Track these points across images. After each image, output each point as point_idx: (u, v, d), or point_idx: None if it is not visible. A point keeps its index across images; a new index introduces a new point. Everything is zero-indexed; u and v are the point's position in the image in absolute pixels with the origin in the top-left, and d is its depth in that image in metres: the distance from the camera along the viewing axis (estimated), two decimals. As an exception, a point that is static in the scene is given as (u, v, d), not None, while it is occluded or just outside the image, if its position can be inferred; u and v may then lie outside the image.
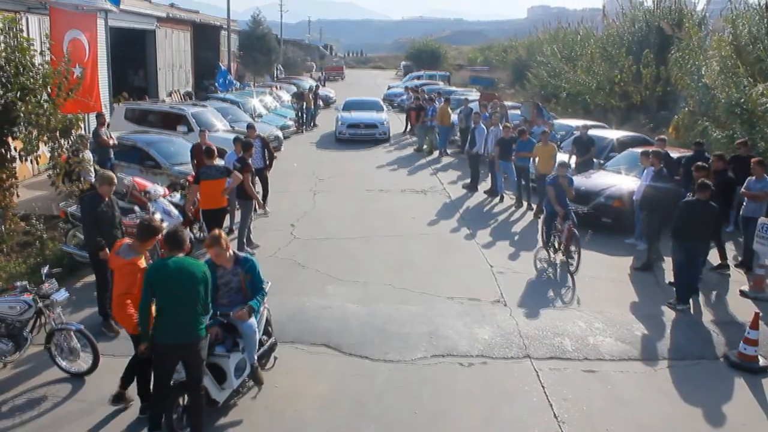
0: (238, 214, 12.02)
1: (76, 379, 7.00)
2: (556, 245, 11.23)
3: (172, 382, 5.78)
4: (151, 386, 5.97)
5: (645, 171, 11.66)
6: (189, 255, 10.31)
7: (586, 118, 22.69)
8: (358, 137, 24.40)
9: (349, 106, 26.92)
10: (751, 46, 16.14)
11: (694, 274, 9.58)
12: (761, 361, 7.78)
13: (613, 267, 11.01)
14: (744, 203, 11.04)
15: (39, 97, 10.18)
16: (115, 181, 8.39)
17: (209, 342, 6.06)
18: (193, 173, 12.53)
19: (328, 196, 15.69)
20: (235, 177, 10.72)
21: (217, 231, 6.57)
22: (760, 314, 7.99)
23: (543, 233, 11.79)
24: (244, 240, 11.18)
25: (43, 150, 10.96)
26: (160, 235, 6.36)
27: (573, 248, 10.83)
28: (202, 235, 11.76)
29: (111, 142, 14.02)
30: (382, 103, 28.98)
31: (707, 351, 8.17)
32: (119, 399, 6.43)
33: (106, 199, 8.07)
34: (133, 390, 6.38)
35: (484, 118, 17.88)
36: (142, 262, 6.26)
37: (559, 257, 11.22)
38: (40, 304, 7.09)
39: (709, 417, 6.73)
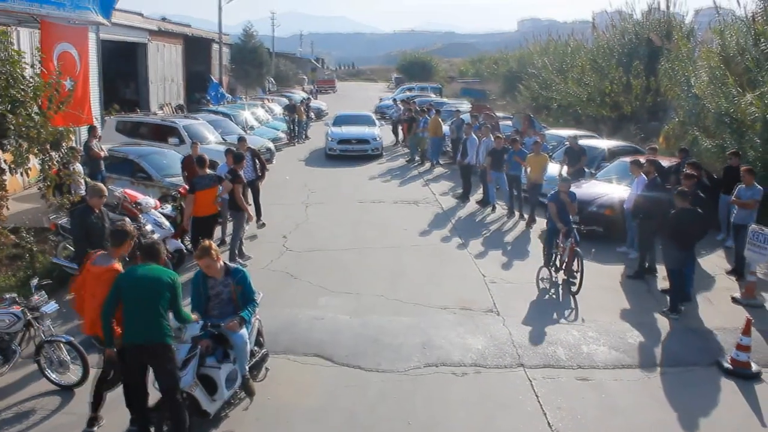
0: (230, 226, 11.98)
1: (66, 391, 6.94)
2: (558, 264, 10.77)
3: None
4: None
5: (636, 180, 11.70)
6: (180, 266, 10.44)
7: (577, 128, 22.79)
8: (349, 153, 23.35)
9: (339, 121, 25.70)
10: (739, 57, 16.26)
11: (686, 282, 9.64)
12: (754, 367, 7.79)
13: (605, 275, 11.01)
14: (734, 211, 11.11)
15: (29, 109, 10.12)
16: (106, 193, 8.36)
17: (200, 353, 6.03)
18: (185, 185, 12.52)
19: (320, 208, 15.67)
20: (225, 185, 10.91)
21: (207, 242, 6.55)
22: (752, 321, 7.99)
23: (544, 251, 11.33)
24: (236, 252, 11.14)
25: (34, 163, 10.89)
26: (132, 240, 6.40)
27: (575, 267, 10.33)
28: (193, 246, 11.71)
29: (102, 154, 13.97)
30: (374, 117, 28.03)
31: (700, 358, 8.17)
32: (93, 422, 6.33)
33: (97, 211, 8.03)
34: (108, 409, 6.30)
35: (475, 129, 17.94)
36: (120, 268, 6.23)
37: (561, 276, 10.72)
38: (30, 317, 7.04)
39: (703, 423, 6.72)
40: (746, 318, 8.05)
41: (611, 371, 7.76)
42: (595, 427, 6.60)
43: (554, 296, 10.20)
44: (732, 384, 7.55)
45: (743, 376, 7.69)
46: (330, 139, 23.84)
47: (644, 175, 11.34)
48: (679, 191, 9.53)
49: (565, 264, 10.54)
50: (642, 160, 12.37)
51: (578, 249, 10.40)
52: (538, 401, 7.03)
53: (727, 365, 7.86)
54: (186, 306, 6.31)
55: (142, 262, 5.87)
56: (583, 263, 10.23)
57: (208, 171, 11.17)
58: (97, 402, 6.31)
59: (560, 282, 10.69)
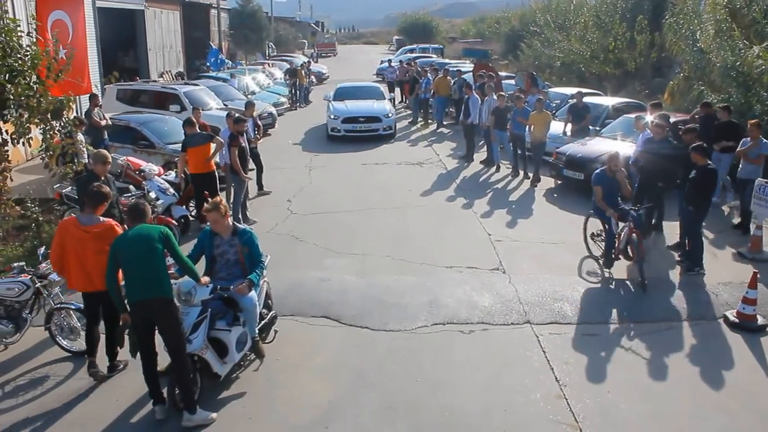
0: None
1: (78, 357, 7.00)
2: (615, 254, 9.16)
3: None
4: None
5: (640, 135, 11.61)
6: (185, 232, 10.48)
7: (580, 86, 22.54)
8: (356, 134, 19.62)
9: (341, 94, 21.55)
10: (746, 9, 15.98)
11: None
12: (760, 320, 7.82)
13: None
14: (740, 166, 11.02)
15: (28, 79, 10.05)
16: (110, 159, 8.34)
17: (211, 316, 6.08)
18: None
19: (323, 171, 15.63)
20: (217, 142, 11.07)
21: (218, 198, 6.68)
22: (758, 274, 8.00)
23: (586, 241, 9.95)
24: (240, 216, 11.14)
25: (35, 133, 10.87)
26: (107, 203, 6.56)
27: (631, 254, 8.96)
28: (197, 209, 11.73)
29: (104, 122, 13.90)
30: (382, 88, 23.13)
31: (707, 312, 8.20)
32: (113, 368, 6.69)
33: (102, 178, 8.03)
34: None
35: (477, 88, 17.78)
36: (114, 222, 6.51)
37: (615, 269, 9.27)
38: (38, 285, 7.09)
39: (709, 376, 6.77)
40: (753, 272, 8.07)
41: (617, 326, 7.81)
42: (602, 380, 6.65)
43: (560, 255, 10.18)
44: (738, 337, 7.58)
45: (749, 329, 7.72)
46: (332, 116, 19.92)
47: (648, 131, 11.24)
48: (698, 147, 9.23)
49: (630, 252, 9.03)
50: (649, 116, 12.20)
51: (636, 236, 8.84)
52: (545, 357, 7.08)
53: (733, 319, 7.89)
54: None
55: (130, 225, 5.94)
56: (643, 252, 8.86)
57: (197, 130, 11.40)
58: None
59: (611, 275, 9.24)
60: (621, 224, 9.06)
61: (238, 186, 11.32)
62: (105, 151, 8.33)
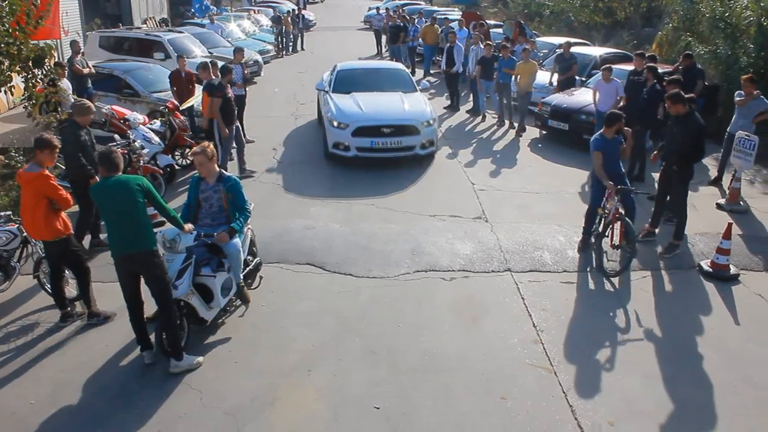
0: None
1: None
2: (601, 231, 8.16)
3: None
4: None
5: (604, 85, 12.23)
6: (172, 181, 10.52)
7: (569, 35, 22.38)
8: (378, 155, 11.80)
9: (346, 82, 13.28)
10: (736, -42, 15.84)
11: None
12: (732, 270, 8.04)
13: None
14: (734, 119, 11.00)
15: (7, 26, 9.90)
16: (93, 109, 8.32)
17: (195, 263, 6.19)
18: (173, 100, 12.40)
19: (309, 119, 15.58)
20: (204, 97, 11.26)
21: (206, 142, 6.80)
22: (733, 225, 8.19)
23: (586, 220, 8.68)
24: (227, 166, 11.14)
25: (17, 81, 10.75)
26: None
27: (616, 240, 7.95)
28: (185, 161, 11.75)
29: (86, 70, 13.73)
30: (407, 72, 14.53)
31: (682, 261, 8.40)
32: (92, 316, 6.82)
33: (85, 128, 8.05)
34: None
35: (461, 36, 17.61)
36: (49, 173, 6.48)
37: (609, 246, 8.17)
38: (25, 234, 7.15)
39: (682, 322, 7.00)
40: (727, 222, 8.25)
41: (595, 274, 8.01)
42: (577, 325, 6.88)
43: (542, 204, 10.32)
44: (711, 286, 7.82)
45: (722, 278, 7.94)
46: (334, 122, 11.85)
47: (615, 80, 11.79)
48: (672, 94, 8.47)
49: (610, 232, 8.01)
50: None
51: (628, 219, 7.90)
52: (524, 303, 7.29)
53: (707, 268, 8.09)
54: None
55: (105, 174, 5.84)
56: (633, 237, 7.93)
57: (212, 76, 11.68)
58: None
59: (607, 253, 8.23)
60: (613, 203, 7.96)
61: (223, 137, 11.29)
62: (87, 102, 8.28)
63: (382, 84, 13.38)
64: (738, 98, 10.87)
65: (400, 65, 15.42)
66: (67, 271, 7.07)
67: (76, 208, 7.81)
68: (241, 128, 11.74)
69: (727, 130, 11.05)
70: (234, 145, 11.46)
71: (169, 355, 5.93)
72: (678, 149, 8.37)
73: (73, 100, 11.66)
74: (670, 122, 8.71)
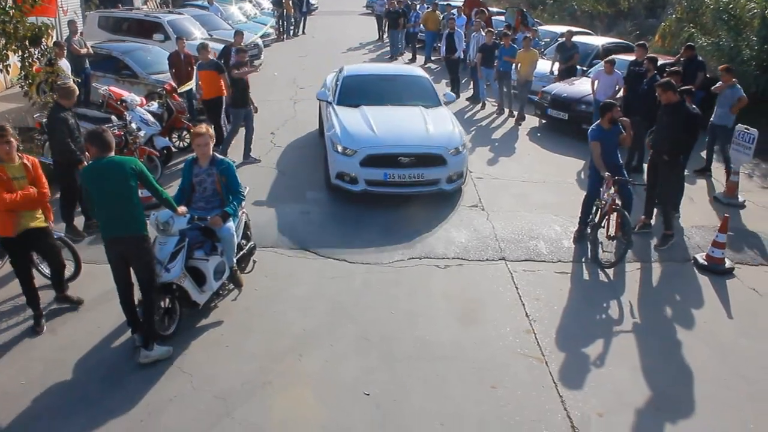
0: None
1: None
2: (598, 222, 8.14)
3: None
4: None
5: (606, 76, 12.22)
6: (167, 164, 10.48)
7: (572, 24, 22.26)
8: (393, 190, 9.49)
9: (353, 91, 10.95)
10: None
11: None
12: (727, 263, 8.03)
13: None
14: (715, 109, 10.98)
15: (3, 4, 9.80)
16: (77, 92, 8.27)
17: (188, 245, 6.16)
18: (171, 82, 12.34)
19: (308, 104, 15.44)
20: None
21: (205, 125, 6.76)
22: (729, 218, 8.17)
23: (582, 210, 8.62)
24: (228, 149, 11.07)
25: (14, 60, 10.67)
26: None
27: (612, 231, 8.04)
28: (182, 144, 11.71)
29: (84, 51, 13.64)
30: (432, 83, 11.78)
31: (678, 254, 8.39)
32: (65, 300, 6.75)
33: (71, 110, 8.00)
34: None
35: (460, 23, 17.50)
36: None
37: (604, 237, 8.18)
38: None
39: (675, 315, 7.01)
40: (724, 216, 8.24)
41: (590, 265, 7.99)
42: (570, 316, 6.88)
43: (540, 194, 10.29)
44: (705, 279, 7.81)
45: (716, 271, 7.94)
46: (338, 147, 9.53)
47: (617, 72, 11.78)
48: (663, 82, 8.45)
49: (606, 223, 8.05)
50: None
51: (625, 212, 7.88)
52: (518, 293, 7.28)
53: (702, 261, 8.09)
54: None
55: (98, 155, 5.70)
56: (629, 229, 7.86)
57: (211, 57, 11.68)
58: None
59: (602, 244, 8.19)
60: (610, 193, 7.92)
61: (235, 119, 11.27)
62: (71, 84, 8.19)
63: (399, 95, 11.01)
64: (716, 87, 10.90)
65: (420, 71, 12.64)
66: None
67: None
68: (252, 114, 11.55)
69: (710, 120, 11.02)
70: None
71: (140, 346, 5.87)
72: (668, 138, 8.35)
73: (71, 81, 11.60)
74: (660, 111, 8.64)
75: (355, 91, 10.85)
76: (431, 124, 9.92)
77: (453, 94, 12.41)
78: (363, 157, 9.26)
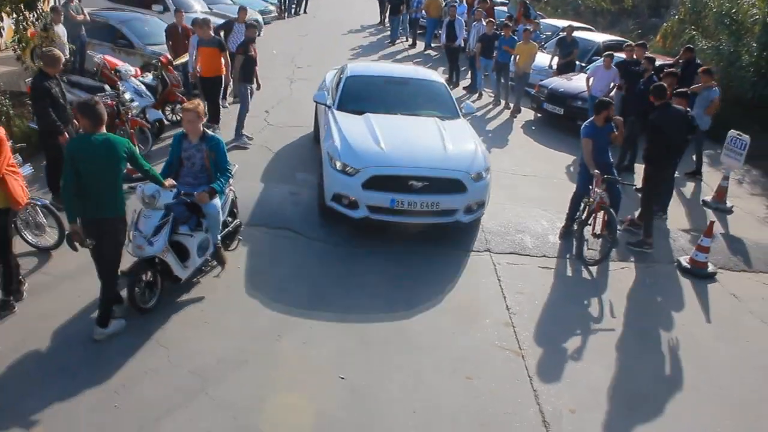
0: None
1: (43, 253, 7.09)
2: (584, 219, 8.09)
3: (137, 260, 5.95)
4: None
5: (603, 72, 12.32)
6: (159, 136, 10.42)
7: (575, 19, 22.19)
8: (399, 219, 7.91)
9: (357, 95, 9.41)
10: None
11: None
12: (710, 268, 8.10)
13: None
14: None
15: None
16: (63, 59, 8.11)
17: (173, 220, 6.14)
18: (168, 54, 12.24)
19: (305, 84, 15.35)
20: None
21: (197, 100, 6.75)
22: (716, 223, 8.21)
23: (570, 207, 8.62)
24: (242, 129, 11.01)
25: (9, 23, 10.53)
26: None
27: (598, 229, 7.95)
28: (175, 117, 11.63)
29: (81, 17, 13.48)
30: (449, 91, 10.25)
31: (662, 256, 8.44)
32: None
33: (57, 78, 7.87)
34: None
35: (461, 11, 17.40)
36: None
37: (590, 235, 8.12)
38: (5, 179, 7.04)
39: (655, 316, 7.08)
40: (710, 221, 8.28)
41: (574, 261, 8.03)
42: (550, 311, 6.92)
43: (530, 187, 10.30)
44: (688, 282, 7.88)
45: (699, 275, 8.00)
46: (337, 164, 7.94)
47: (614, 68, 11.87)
48: (655, 86, 8.55)
49: (593, 221, 8.01)
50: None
51: (612, 210, 7.79)
52: (500, 285, 7.31)
53: (685, 264, 8.15)
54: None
55: (90, 129, 5.47)
56: (615, 228, 7.78)
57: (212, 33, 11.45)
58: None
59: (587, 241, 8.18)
60: (599, 191, 7.85)
61: (242, 98, 11.17)
62: (55, 51, 7.99)
63: (412, 102, 9.46)
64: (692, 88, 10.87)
65: (436, 75, 10.88)
66: (44, 219, 7.04)
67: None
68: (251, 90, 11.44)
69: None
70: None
71: (96, 323, 5.81)
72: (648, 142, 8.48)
73: (67, 47, 11.49)
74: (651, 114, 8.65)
75: (360, 95, 9.36)
76: (450, 142, 8.34)
77: (473, 105, 10.45)
78: (367, 177, 7.70)
